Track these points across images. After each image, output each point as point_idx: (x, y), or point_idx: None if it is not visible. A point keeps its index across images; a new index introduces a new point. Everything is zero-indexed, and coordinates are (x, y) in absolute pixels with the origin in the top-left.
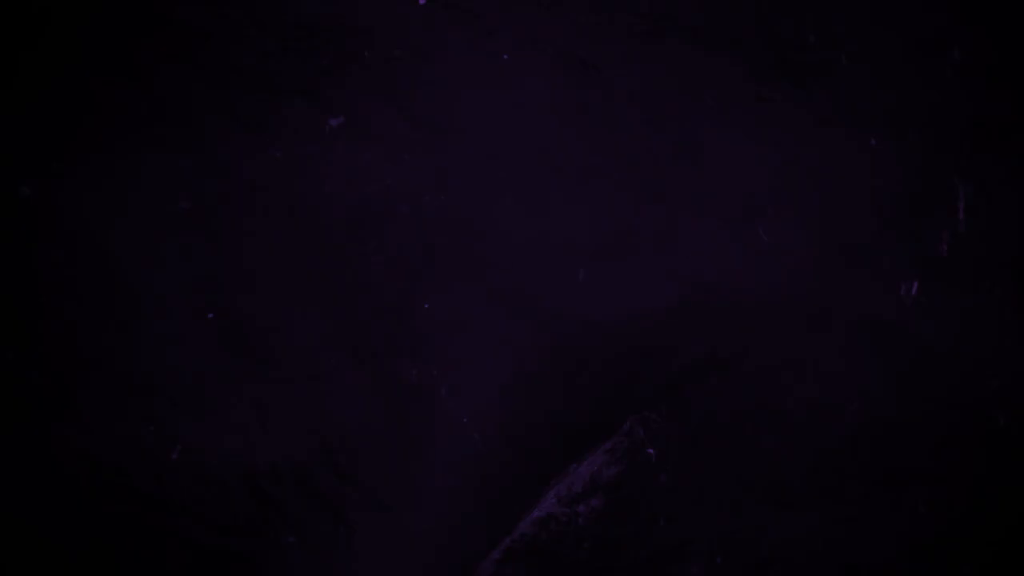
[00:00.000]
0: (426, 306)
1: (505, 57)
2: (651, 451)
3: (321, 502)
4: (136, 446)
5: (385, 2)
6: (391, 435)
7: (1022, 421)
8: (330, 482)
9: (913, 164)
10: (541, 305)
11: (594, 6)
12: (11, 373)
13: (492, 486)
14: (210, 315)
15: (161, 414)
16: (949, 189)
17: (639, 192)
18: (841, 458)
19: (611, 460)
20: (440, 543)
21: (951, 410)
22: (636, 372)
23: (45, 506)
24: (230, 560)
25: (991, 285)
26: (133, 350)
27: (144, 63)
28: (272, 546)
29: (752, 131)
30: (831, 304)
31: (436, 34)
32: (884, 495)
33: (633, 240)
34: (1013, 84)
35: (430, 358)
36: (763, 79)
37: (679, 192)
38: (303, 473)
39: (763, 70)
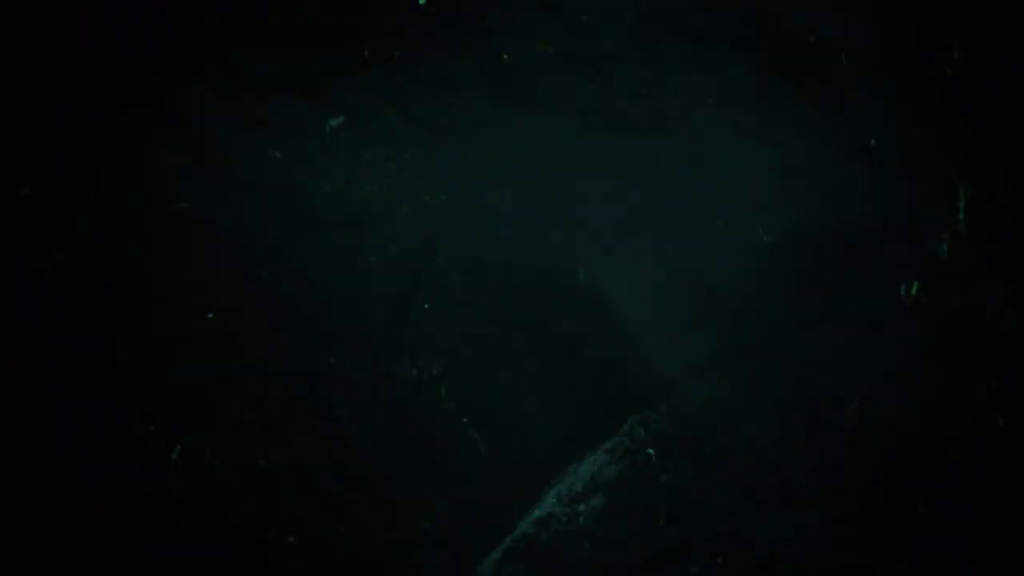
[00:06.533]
0: (426, 306)
1: (505, 57)
2: (651, 451)
3: (321, 502)
4: (136, 446)
5: (385, 2)
6: (391, 434)
7: (1022, 421)
8: (330, 482)
9: (913, 164)
10: (542, 304)
11: (595, 5)
12: (11, 373)
13: (492, 486)
14: (210, 315)
15: (161, 414)
16: (949, 189)
17: (640, 191)
18: (841, 458)
19: (611, 460)
20: (440, 543)
21: (951, 410)
22: (637, 371)
23: (45, 506)
24: (230, 560)
25: (991, 285)
26: (133, 349)
27: (144, 63)
28: (272, 546)
29: (752, 130)
30: (831, 303)
31: (436, 34)
32: (884, 495)
33: (634, 239)
34: (1013, 84)
35: (430, 358)
36: (763, 79)
37: (680, 191)
38: (303, 473)
39: (763, 70)
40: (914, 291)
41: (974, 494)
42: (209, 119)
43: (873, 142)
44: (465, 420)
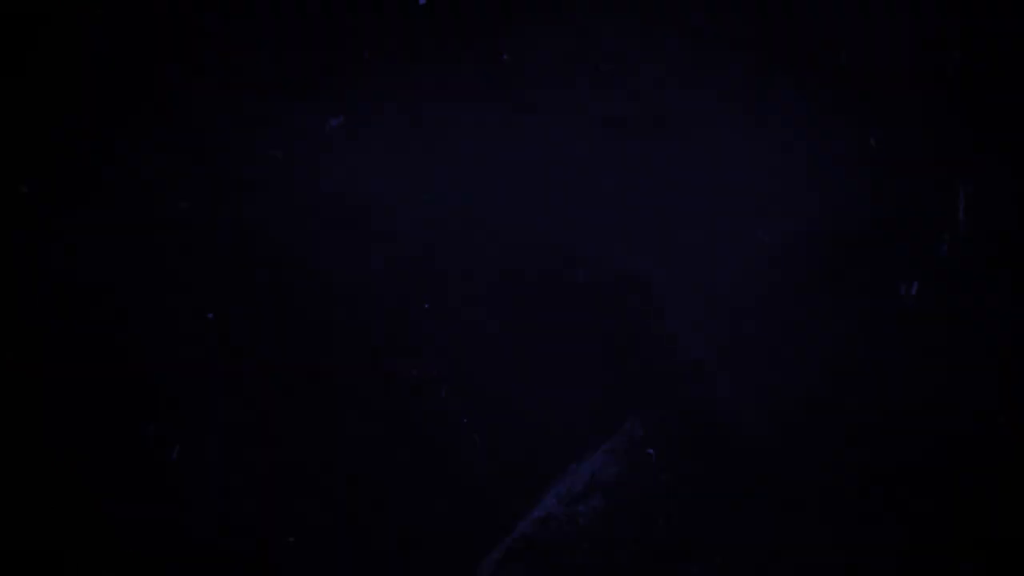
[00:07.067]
0: (426, 306)
1: (505, 57)
2: (651, 451)
3: (321, 502)
4: (136, 446)
5: (385, 2)
6: (391, 434)
7: (1022, 421)
8: (331, 481)
9: (913, 164)
10: (541, 304)
11: (595, 5)
12: (11, 373)
13: (492, 486)
14: (210, 315)
15: (161, 414)
16: (949, 189)
17: (640, 191)
18: (841, 458)
19: (611, 460)
20: (440, 543)
21: (951, 410)
22: (636, 372)
23: (45, 506)
24: (230, 560)
25: (991, 285)
26: (134, 349)
27: (144, 63)
28: (272, 546)
29: (752, 130)
30: (831, 303)
31: (436, 34)
32: (884, 495)
33: (633, 239)
34: (1013, 84)
35: (430, 358)
36: (763, 79)
37: (680, 191)
38: (303, 473)
39: (763, 70)
40: (914, 291)
41: (974, 494)
42: (209, 119)
43: (873, 142)
44: (465, 420)
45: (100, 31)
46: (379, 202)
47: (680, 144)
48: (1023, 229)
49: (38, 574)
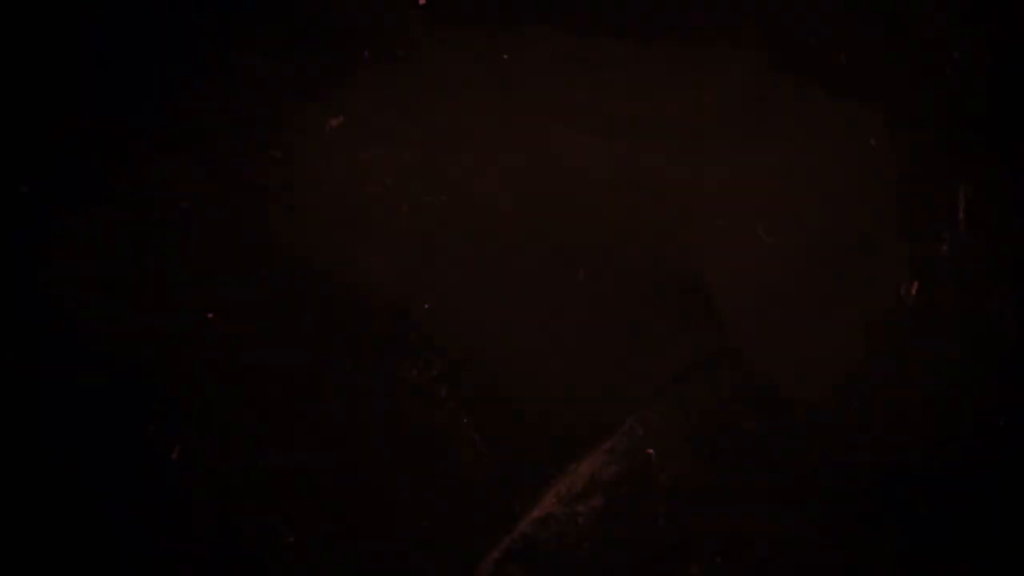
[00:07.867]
0: (426, 306)
1: (505, 57)
2: (651, 451)
3: (321, 502)
4: (136, 446)
5: (385, 2)
6: (391, 435)
7: (1022, 421)
8: (330, 482)
9: (913, 164)
10: (541, 304)
11: (595, 5)
12: (10, 373)
13: (492, 486)
14: (210, 315)
15: (161, 414)
16: (949, 189)
17: (640, 192)
18: (841, 458)
19: (611, 460)
20: (440, 543)
21: (951, 410)
22: (635, 371)
23: (44, 505)
24: (230, 560)
25: (991, 285)
26: (134, 349)
27: (144, 63)
28: (272, 546)
29: (752, 130)
30: (830, 303)
31: (436, 34)
32: (884, 495)
33: (633, 239)
34: (1013, 84)
35: (430, 358)
36: (763, 79)
37: (680, 191)
38: (303, 473)
39: (763, 70)
40: (914, 291)
41: (974, 494)
42: (209, 119)
43: (873, 142)
44: (465, 420)
45: (100, 31)
46: (379, 201)
47: (679, 145)
48: (1023, 229)
49: (38, 574)
